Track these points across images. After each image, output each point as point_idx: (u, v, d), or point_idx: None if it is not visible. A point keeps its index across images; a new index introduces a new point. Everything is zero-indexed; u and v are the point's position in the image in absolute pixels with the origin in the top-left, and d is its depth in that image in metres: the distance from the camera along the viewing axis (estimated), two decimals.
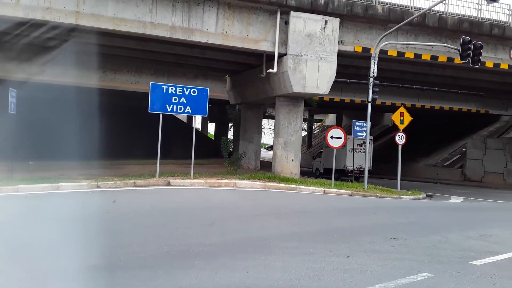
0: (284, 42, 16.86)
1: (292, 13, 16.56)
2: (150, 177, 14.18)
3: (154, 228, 7.48)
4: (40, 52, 21.07)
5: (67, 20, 14.19)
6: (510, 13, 19.58)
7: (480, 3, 18.99)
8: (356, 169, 23.36)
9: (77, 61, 21.56)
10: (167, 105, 14.69)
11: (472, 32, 18.43)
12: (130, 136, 30.00)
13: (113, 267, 5.23)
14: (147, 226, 7.67)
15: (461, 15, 18.89)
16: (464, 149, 32.54)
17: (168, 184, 13.64)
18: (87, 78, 23.82)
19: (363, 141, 23.00)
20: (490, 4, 15.77)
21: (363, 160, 20.23)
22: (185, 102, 14.85)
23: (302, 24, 16.66)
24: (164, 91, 14.69)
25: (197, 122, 53.77)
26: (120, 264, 5.35)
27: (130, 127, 30.57)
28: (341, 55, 17.60)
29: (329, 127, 27.90)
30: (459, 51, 16.06)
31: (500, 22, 19.47)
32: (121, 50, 19.65)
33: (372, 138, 26.54)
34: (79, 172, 15.28)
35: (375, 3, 17.58)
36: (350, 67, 20.92)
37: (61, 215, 8.37)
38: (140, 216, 8.56)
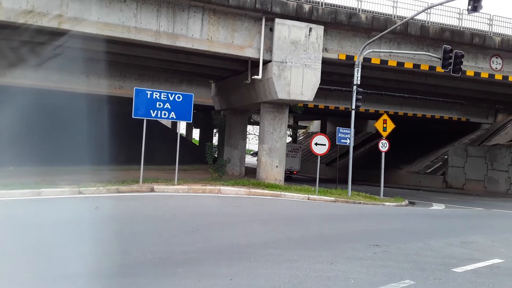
0: (269, 49, 16.93)
1: (277, 20, 16.66)
2: (133, 183, 14.05)
3: (137, 235, 7.41)
4: (22, 56, 20.77)
5: (50, 24, 14.04)
6: (490, 23, 19.99)
7: (461, 12, 19.35)
8: (287, 169, 26.54)
9: (60, 65, 21.38)
10: (151, 111, 14.59)
11: (453, 41, 18.77)
12: (114, 141, 29.64)
13: (94, 275, 5.16)
14: (129, 233, 7.59)
15: (443, 24, 19.22)
16: (446, 157, 33.00)
17: (152, 190, 13.53)
18: (70, 82, 23.61)
19: (294, 148, 32.64)
20: (471, 14, 16.04)
21: (293, 163, 29.69)
22: (169, 107, 14.77)
23: (287, 31, 16.76)
24: (149, 97, 14.59)
25: (182, 128, 53.58)
26: (102, 272, 5.29)
27: (114, 133, 30.24)
28: (325, 62, 17.73)
29: (314, 134, 28.09)
30: (440, 59, 16.31)
31: (480, 31, 19.86)
32: (105, 54, 19.42)
33: (300, 146, 35.90)
34: (61, 177, 15.08)
35: (359, 12, 17.79)
36: (334, 74, 21.11)
37: (41, 222, 8.21)
38: (122, 223, 8.45)
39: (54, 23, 14.05)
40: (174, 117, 14.99)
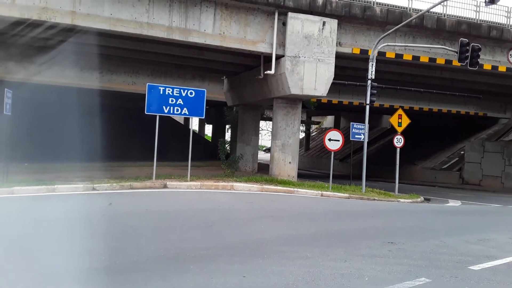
0: (281, 44, 16.79)
1: (290, 14, 16.50)
2: (146, 179, 14.08)
3: (150, 231, 7.40)
4: (36, 53, 20.99)
5: (63, 20, 14.09)
6: (508, 15, 19.57)
7: (478, 4, 18.98)
8: None
9: (73, 62, 21.52)
10: (164, 107, 14.59)
11: (470, 34, 18.41)
12: (127, 138, 29.88)
13: (107, 271, 5.15)
14: (142, 229, 7.59)
15: (459, 17, 18.87)
16: (462, 152, 32.50)
17: (165, 186, 13.54)
18: (83, 79, 23.74)
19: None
20: (488, 6, 15.72)
21: None
22: (182, 103, 14.76)
23: (300, 25, 16.60)
24: (161, 93, 14.59)
25: (194, 124, 53.66)
26: (115, 268, 5.28)
27: (127, 129, 30.47)
28: (339, 56, 17.54)
29: (327, 129, 27.84)
30: (457, 53, 16.00)
31: (498, 24, 19.45)
32: (117, 50, 19.56)
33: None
34: (75, 174, 15.19)
35: (373, 5, 17.54)
36: (348, 69, 20.88)
37: (56, 218, 8.27)
38: (136, 219, 8.47)
39: (67, 20, 14.10)
40: (187, 113, 14.98)
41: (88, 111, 22.91)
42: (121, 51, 19.53)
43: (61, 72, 22.76)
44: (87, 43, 17.04)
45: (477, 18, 19.03)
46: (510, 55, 20.23)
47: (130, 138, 29.76)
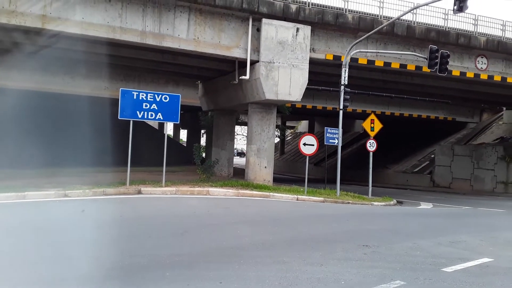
0: (256, 49, 16.86)
1: (264, 20, 16.60)
2: (120, 185, 13.87)
3: (124, 238, 7.29)
4: (6, 57, 20.42)
5: (34, 24, 13.78)
6: (475, 23, 20.17)
7: (447, 12, 19.49)
8: None
9: (44, 66, 21.07)
10: (137, 112, 14.43)
11: (439, 41, 18.89)
12: (100, 143, 29.33)
13: (80, 280, 5.05)
14: (117, 236, 7.47)
15: (429, 25, 19.34)
16: (432, 156, 33.25)
17: (139, 192, 13.37)
18: (54, 83, 23.28)
19: None
20: (456, 14, 16.15)
21: None
22: (156, 108, 14.63)
23: (274, 31, 16.71)
24: (135, 97, 14.43)
25: (169, 129, 53.27)
26: (87, 276, 5.18)
27: (100, 134, 29.90)
28: (312, 62, 17.72)
29: (302, 134, 28.00)
30: (427, 59, 16.39)
31: (466, 31, 20.02)
32: (90, 55, 19.20)
33: None
34: (46, 180, 14.83)
35: (346, 12, 17.81)
36: (321, 74, 21.11)
37: (25, 226, 8.04)
38: (109, 226, 8.32)
39: (38, 23, 13.80)
40: (161, 118, 14.85)
41: (59, 116, 22.45)
42: (94, 55, 19.18)
43: (31, 76, 22.25)
44: (58, 47, 16.69)
45: (445, 25, 19.56)
46: (478, 61, 20.85)
47: (104, 144, 29.20)
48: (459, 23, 19.89)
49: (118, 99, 14.38)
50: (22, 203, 10.70)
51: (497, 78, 21.34)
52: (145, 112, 14.51)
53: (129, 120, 14.31)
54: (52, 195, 11.77)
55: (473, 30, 20.14)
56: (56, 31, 14.26)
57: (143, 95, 14.54)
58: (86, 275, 5.22)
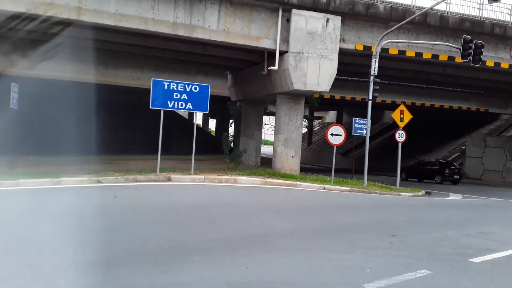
0: (285, 40, 16.87)
1: (294, 10, 16.57)
2: (151, 172, 14.22)
3: (154, 224, 7.49)
4: (41, 47, 21.05)
5: (69, 16, 14.21)
6: (511, 13, 19.58)
7: (482, 2, 19.01)
8: None
9: (78, 56, 21.60)
10: (168, 102, 14.71)
11: (473, 31, 18.44)
12: (132, 131, 29.98)
13: (112, 263, 5.21)
14: (147, 222, 7.68)
15: (463, 15, 18.90)
16: (463, 147, 32.57)
17: (169, 179, 13.68)
18: (88, 73, 23.79)
19: None
20: (491, 4, 15.76)
21: None
22: (186, 98, 14.88)
23: (304, 22, 16.67)
24: (166, 88, 14.71)
25: (198, 118, 53.78)
26: (119, 260, 5.33)
27: (132, 123, 30.57)
28: (342, 53, 17.61)
29: (330, 124, 27.88)
30: (460, 50, 16.06)
31: (501, 21, 19.48)
32: (122, 46, 19.66)
33: None
34: (79, 167, 15.28)
35: (377, 2, 17.59)
36: (351, 65, 20.94)
37: (61, 210, 8.32)
38: (140, 212, 8.57)
39: (73, 15, 14.22)
40: (191, 108, 15.10)
41: (92, 105, 23.01)
42: (126, 46, 19.62)
43: (65, 66, 22.85)
44: (92, 38, 17.11)
45: (480, 15, 19.07)
46: None
47: (135, 132, 29.86)
48: (495, 13, 19.42)
49: (150, 89, 14.69)
50: (57, 189, 11.06)
51: None
52: (176, 102, 14.78)
53: (160, 110, 14.61)
54: (85, 181, 12.14)
55: (508, 20, 19.57)
56: (91, 23, 14.64)
57: (173, 85, 14.81)
58: (116, 258, 5.36)
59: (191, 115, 42.88)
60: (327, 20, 16.88)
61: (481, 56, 16.17)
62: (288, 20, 16.79)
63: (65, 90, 24.04)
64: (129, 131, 29.65)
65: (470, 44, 15.84)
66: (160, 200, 10.45)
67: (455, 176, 26.47)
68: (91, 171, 13.71)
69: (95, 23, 14.66)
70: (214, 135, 45.67)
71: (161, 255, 5.60)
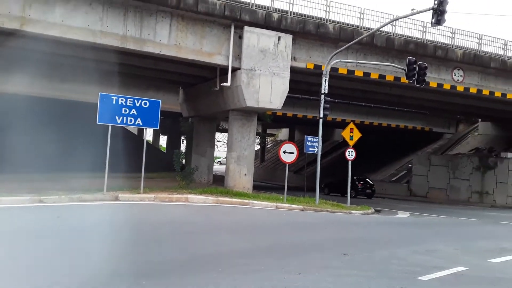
0: (238, 56, 16.89)
1: (246, 27, 16.66)
2: (97, 191, 13.63)
3: (100, 245, 7.14)
4: None
5: (12, 26, 13.57)
6: (452, 36, 20.63)
7: (425, 25, 19.89)
8: None
9: (21, 68, 20.65)
10: (116, 117, 14.23)
11: (417, 53, 19.25)
12: (78, 148, 28.84)
13: None
14: (92, 243, 7.33)
15: (408, 37, 19.71)
16: (410, 165, 33.74)
17: (117, 199, 13.17)
18: (32, 87, 22.84)
19: None
20: (434, 27, 16.51)
21: None
22: (135, 114, 14.46)
23: (256, 39, 16.78)
24: (114, 102, 14.23)
25: (149, 134, 52.75)
26: (66, 285, 5.01)
27: (78, 139, 29.43)
28: (293, 71, 17.84)
29: (282, 142, 28.08)
30: (405, 71, 16.67)
31: (443, 44, 20.46)
32: (69, 58, 18.97)
33: None
34: (22, 185, 14.49)
35: (327, 22, 18.01)
36: (302, 83, 21.25)
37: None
38: (84, 233, 8.17)
39: (16, 25, 13.58)
40: (141, 124, 14.71)
41: (37, 120, 22.00)
42: (73, 59, 18.95)
43: (8, 79, 21.78)
44: (36, 50, 16.42)
45: (423, 38, 19.96)
46: (454, 73, 21.31)
47: (82, 149, 28.71)
48: (437, 35, 20.34)
49: (97, 103, 14.17)
50: None
51: (473, 90, 21.84)
52: (124, 117, 14.33)
53: (108, 125, 14.12)
54: (27, 200, 11.48)
55: (450, 43, 20.60)
56: (34, 33, 14.02)
57: (122, 100, 14.37)
58: (60, 284, 5.06)
59: (141, 131, 41.96)
60: (279, 38, 17.09)
61: (425, 77, 16.84)
62: (241, 37, 16.85)
63: (8, 104, 22.88)
64: (75, 147, 28.52)
65: (415, 66, 16.47)
66: (105, 220, 10.00)
67: (367, 191, 28.16)
68: (33, 190, 13.01)
69: (39, 34, 14.06)
70: (165, 151, 44.84)
71: (107, 278, 5.31)
